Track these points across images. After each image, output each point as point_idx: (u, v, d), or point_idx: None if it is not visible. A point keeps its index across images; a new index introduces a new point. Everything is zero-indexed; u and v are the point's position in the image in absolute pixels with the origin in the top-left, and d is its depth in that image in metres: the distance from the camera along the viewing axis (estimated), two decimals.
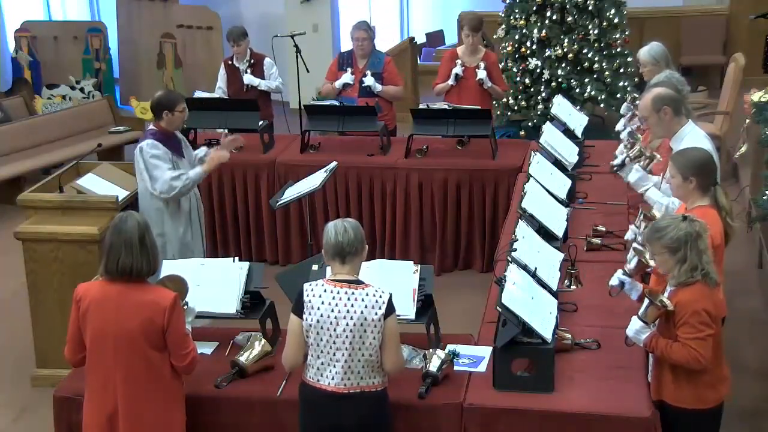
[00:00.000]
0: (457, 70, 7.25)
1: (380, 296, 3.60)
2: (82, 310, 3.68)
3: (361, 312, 3.56)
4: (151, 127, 5.70)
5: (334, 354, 3.60)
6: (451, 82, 7.27)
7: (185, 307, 3.91)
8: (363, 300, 3.57)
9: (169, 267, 4.39)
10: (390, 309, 3.60)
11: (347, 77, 7.33)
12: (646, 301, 3.64)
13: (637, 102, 5.85)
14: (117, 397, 3.67)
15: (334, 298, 3.58)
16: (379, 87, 7.30)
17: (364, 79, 7.28)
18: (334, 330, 3.58)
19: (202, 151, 5.99)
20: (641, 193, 4.75)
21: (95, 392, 3.72)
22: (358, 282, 3.64)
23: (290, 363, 3.74)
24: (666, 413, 3.69)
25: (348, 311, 3.57)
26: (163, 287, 3.79)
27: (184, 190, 5.60)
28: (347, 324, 3.57)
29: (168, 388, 3.73)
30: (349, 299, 3.58)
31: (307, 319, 3.61)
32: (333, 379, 3.62)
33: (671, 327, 3.61)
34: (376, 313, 3.57)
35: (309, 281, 3.79)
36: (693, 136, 4.60)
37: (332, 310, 3.58)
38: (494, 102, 7.78)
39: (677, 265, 3.56)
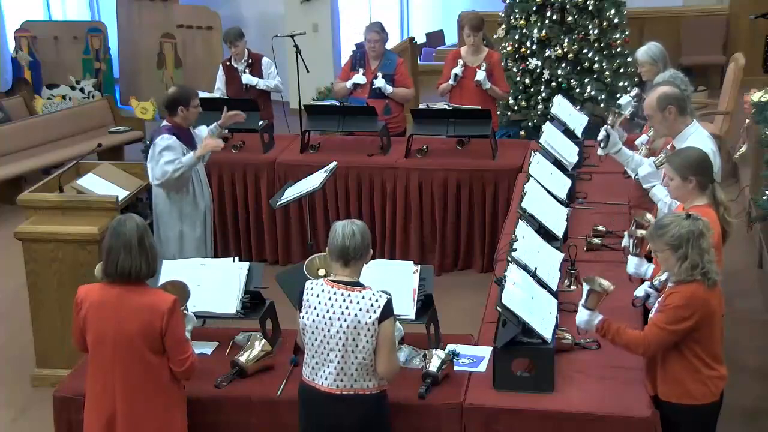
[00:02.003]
0: (457, 70, 7.25)
1: (376, 300, 3.58)
2: (83, 313, 3.68)
3: (355, 315, 3.55)
4: (164, 123, 5.73)
5: (328, 354, 3.60)
6: (451, 82, 7.28)
7: (185, 313, 3.91)
8: (358, 303, 3.57)
9: (169, 267, 4.38)
10: (386, 313, 3.57)
11: (359, 78, 7.33)
12: (586, 288, 3.66)
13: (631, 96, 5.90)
14: (116, 400, 3.66)
15: (330, 299, 3.58)
16: (389, 89, 7.29)
17: (374, 80, 7.27)
18: (328, 331, 3.58)
19: (202, 130, 5.99)
20: (646, 189, 4.75)
21: (95, 395, 3.72)
22: (357, 284, 3.63)
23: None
24: (660, 409, 3.68)
25: (342, 313, 3.56)
26: (163, 291, 3.80)
27: (176, 175, 5.60)
28: (341, 326, 3.56)
29: (168, 392, 3.72)
30: (344, 301, 3.57)
31: (303, 318, 3.62)
32: (326, 379, 3.62)
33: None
34: (370, 317, 3.55)
35: (309, 280, 3.79)
36: (697, 136, 4.60)
37: (327, 311, 3.58)
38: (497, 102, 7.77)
39: (678, 263, 3.56)
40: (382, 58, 7.38)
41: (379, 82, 7.26)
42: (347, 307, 3.56)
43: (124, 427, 3.67)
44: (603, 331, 3.67)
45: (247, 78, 7.65)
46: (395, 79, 7.34)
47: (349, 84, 7.38)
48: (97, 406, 3.70)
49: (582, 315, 3.70)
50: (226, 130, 6.68)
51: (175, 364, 3.68)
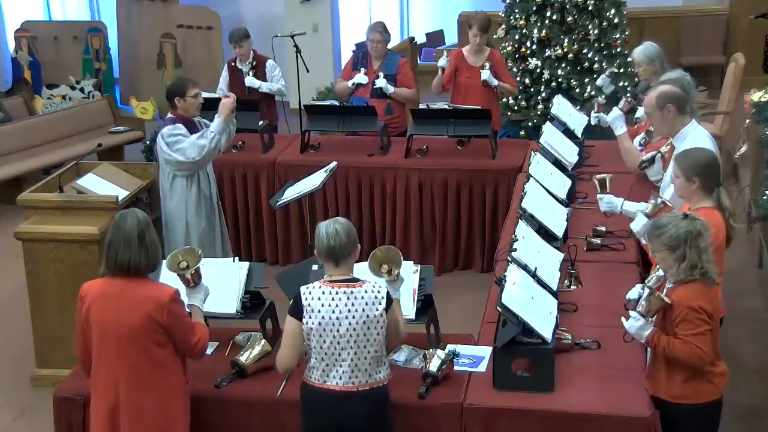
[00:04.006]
0: (442, 62, 7.23)
1: (378, 291, 3.61)
2: (86, 307, 3.72)
3: (363, 310, 3.57)
4: (169, 115, 5.77)
5: (339, 354, 3.60)
6: (440, 73, 7.25)
7: (198, 283, 3.96)
8: (363, 297, 3.58)
9: None
10: (389, 301, 3.63)
11: (361, 77, 7.33)
12: (647, 296, 3.62)
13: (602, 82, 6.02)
14: (119, 391, 3.69)
15: (333, 300, 3.58)
16: (391, 89, 7.28)
17: (376, 80, 7.27)
18: (338, 331, 3.58)
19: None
20: (620, 213, 4.79)
21: (99, 387, 3.75)
22: (354, 280, 3.65)
23: (286, 365, 3.74)
24: (662, 409, 3.68)
25: (349, 311, 3.57)
26: (161, 284, 3.82)
27: (213, 144, 5.65)
28: (350, 323, 3.57)
29: (170, 384, 3.74)
30: (348, 299, 3.58)
31: (307, 323, 3.60)
32: (341, 378, 3.62)
33: (667, 324, 3.62)
34: (377, 309, 3.59)
35: (309, 281, 3.79)
36: (696, 136, 4.61)
37: (333, 312, 3.58)
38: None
39: (676, 263, 3.56)
40: (385, 58, 7.38)
41: (381, 82, 7.25)
42: (353, 304, 3.57)
43: (126, 418, 3.70)
44: (654, 343, 3.62)
45: (250, 80, 7.64)
46: (398, 80, 7.33)
47: (350, 83, 7.38)
48: (101, 397, 3.73)
49: (636, 321, 3.63)
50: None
51: (188, 350, 3.75)
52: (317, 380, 3.66)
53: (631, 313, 3.67)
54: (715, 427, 3.77)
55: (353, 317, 3.57)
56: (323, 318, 3.58)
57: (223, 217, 6.11)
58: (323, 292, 3.60)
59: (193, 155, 5.61)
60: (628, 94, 6.08)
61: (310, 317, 3.59)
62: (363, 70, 7.36)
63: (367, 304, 3.58)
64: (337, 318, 3.58)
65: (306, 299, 3.61)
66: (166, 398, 3.73)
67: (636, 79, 8.17)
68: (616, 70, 6.54)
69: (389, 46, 7.60)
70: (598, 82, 6.33)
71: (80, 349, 3.81)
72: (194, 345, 3.76)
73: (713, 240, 3.69)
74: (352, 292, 3.59)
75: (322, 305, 3.59)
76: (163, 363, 3.70)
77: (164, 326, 3.66)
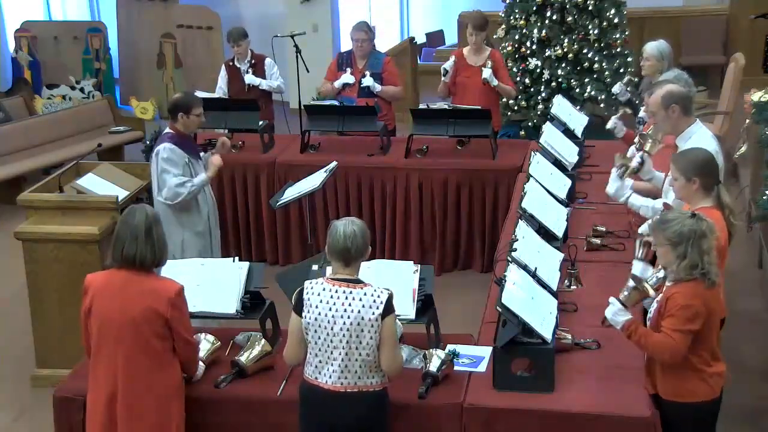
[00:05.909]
0: (447, 65, 7.22)
1: (378, 296, 3.60)
2: (89, 297, 3.76)
3: (359, 311, 3.57)
4: (167, 129, 5.67)
5: (332, 352, 3.61)
6: (443, 78, 7.26)
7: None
8: (361, 299, 3.58)
9: (169, 267, 4.38)
10: (388, 309, 3.60)
11: (347, 77, 7.33)
12: (630, 284, 3.65)
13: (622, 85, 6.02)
14: (117, 380, 3.72)
15: (332, 297, 3.59)
16: (378, 87, 7.29)
17: (363, 79, 7.27)
18: (332, 329, 3.59)
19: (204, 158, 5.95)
20: (623, 203, 4.75)
21: (98, 377, 3.78)
22: (357, 281, 3.64)
23: (291, 360, 3.79)
24: (660, 408, 3.68)
25: (345, 310, 3.57)
26: (167, 278, 3.84)
27: (188, 197, 5.58)
28: (344, 323, 3.57)
29: (168, 378, 3.77)
30: (347, 298, 3.58)
31: (305, 317, 3.63)
32: (330, 377, 3.63)
33: (661, 320, 3.62)
34: (373, 313, 3.57)
35: (309, 280, 3.79)
36: (700, 136, 4.60)
37: (330, 309, 3.59)
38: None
39: (677, 261, 3.56)
40: (370, 56, 7.38)
41: (368, 81, 7.25)
42: (350, 304, 3.57)
43: (124, 406, 3.73)
44: (629, 332, 3.63)
45: (250, 78, 7.66)
46: (383, 78, 7.33)
47: (338, 84, 7.37)
48: (99, 387, 3.76)
49: (614, 306, 3.66)
50: (227, 130, 6.70)
51: (184, 346, 3.77)
52: (311, 375, 3.69)
53: (611, 299, 3.68)
54: (709, 428, 3.76)
55: (348, 317, 3.57)
56: (319, 314, 3.60)
57: (217, 236, 5.98)
58: (323, 289, 3.62)
59: (167, 197, 5.53)
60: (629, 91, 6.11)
61: (308, 311, 3.62)
62: (349, 70, 7.36)
63: (363, 306, 3.58)
64: (333, 316, 3.58)
65: (307, 294, 3.63)
66: (163, 392, 3.75)
67: (635, 79, 8.18)
68: (632, 78, 6.57)
69: (388, 46, 7.61)
70: (615, 89, 6.32)
71: (85, 337, 3.84)
72: (191, 343, 3.80)
73: (717, 241, 3.68)
74: (351, 293, 3.59)
75: (320, 301, 3.60)
76: (162, 356, 3.74)
77: (168, 319, 3.69)
